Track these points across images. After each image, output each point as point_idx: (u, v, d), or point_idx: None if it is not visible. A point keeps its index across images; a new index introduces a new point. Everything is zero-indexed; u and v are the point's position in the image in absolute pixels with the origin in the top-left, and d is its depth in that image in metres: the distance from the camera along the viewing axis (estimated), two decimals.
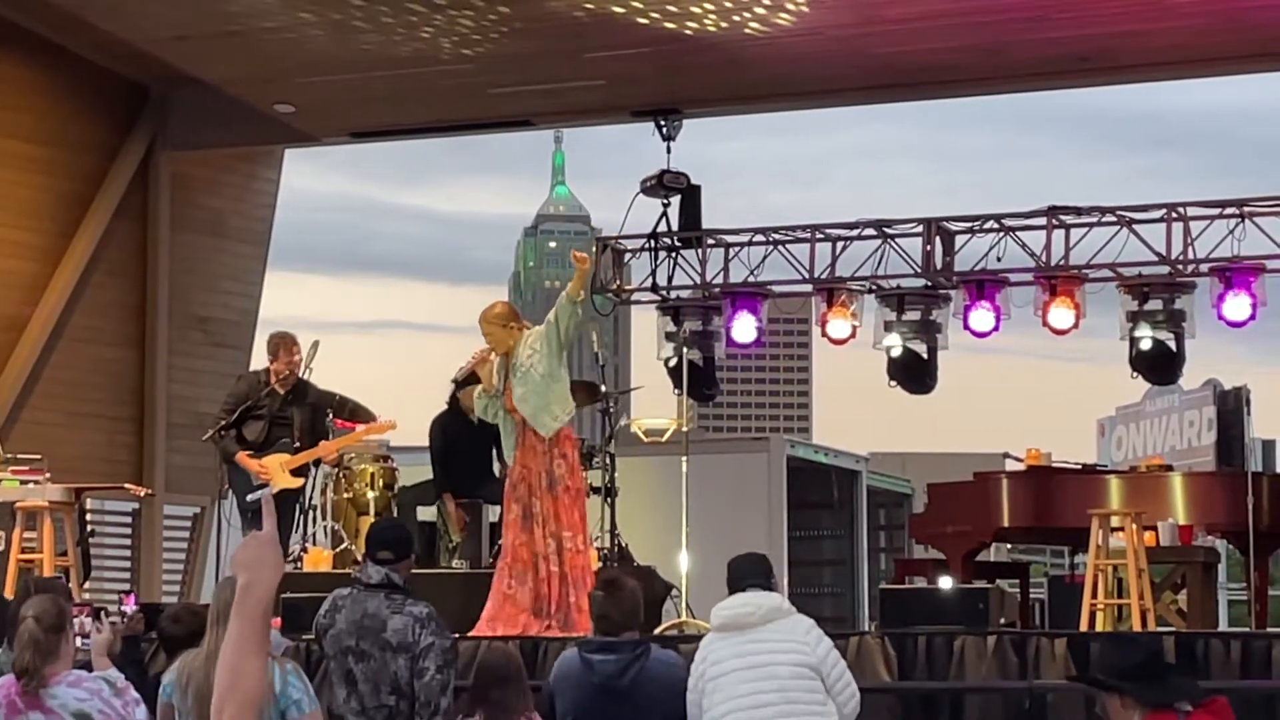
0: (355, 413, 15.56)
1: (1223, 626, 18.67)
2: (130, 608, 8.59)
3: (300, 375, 14.09)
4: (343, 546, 15.03)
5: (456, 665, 8.91)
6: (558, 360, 12.39)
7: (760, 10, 16.58)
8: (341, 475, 15.32)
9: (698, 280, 18.54)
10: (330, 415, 14.75)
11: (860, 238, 17.97)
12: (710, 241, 18.53)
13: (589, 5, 16.60)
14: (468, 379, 14.40)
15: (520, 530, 12.38)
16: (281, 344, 14.01)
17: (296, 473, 13.56)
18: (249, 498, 13.16)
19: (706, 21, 16.87)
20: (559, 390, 12.43)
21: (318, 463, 14.48)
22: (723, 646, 8.31)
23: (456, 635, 10.42)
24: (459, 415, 14.99)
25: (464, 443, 14.86)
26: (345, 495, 15.35)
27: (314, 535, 15.35)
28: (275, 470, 13.42)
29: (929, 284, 17.77)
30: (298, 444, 13.56)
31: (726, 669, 8.22)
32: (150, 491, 16.75)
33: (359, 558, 14.01)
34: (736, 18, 16.76)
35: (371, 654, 8.60)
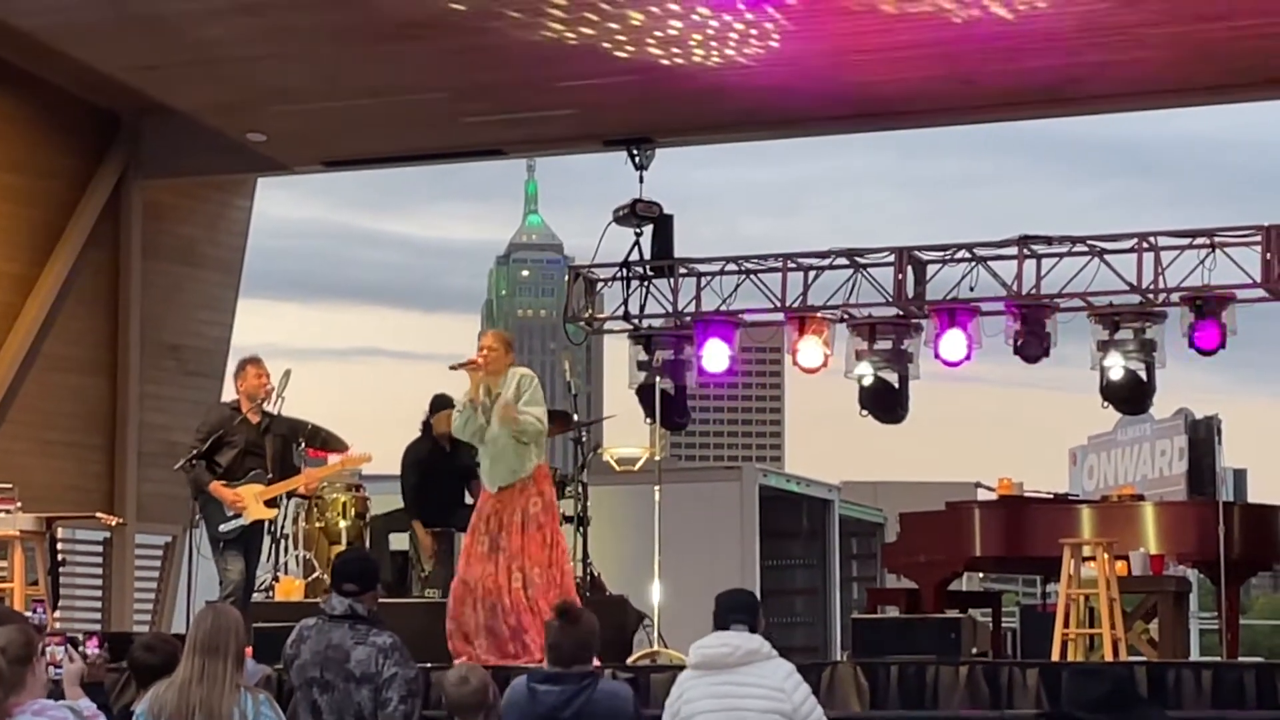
0: (327, 442, 15.51)
1: (1194, 656, 18.71)
2: (93, 650, 8.37)
3: (272, 404, 13.93)
4: (314, 576, 15.01)
5: (420, 696, 8.88)
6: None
7: (733, 40, 16.59)
8: (313, 504, 15.29)
9: (670, 309, 18.55)
10: (302, 444, 14.69)
11: (832, 266, 18.01)
12: (682, 270, 18.55)
13: (560, 34, 16.60)
14: (441, 405, 14.38)
15: (486, 563, 12.33)
16: (248, 364, 13.81)
17: (270, 504, 13.46)
18: (222, 528, 13.25)
19: (679, 51, 16.89)
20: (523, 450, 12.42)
21: (291, 494, 14.40)
22: (697, 685, 8.22)
23: (429, 665, 10.42)
24: (433, 442, 14.99)
25: (436, 470, 14.87)
26: (317, 524, 15.34)
27: (285, 564, 15.33)
28: (250, 500, 13.31)
29: (900, 313, 17.80)
30: (270, 475, 13.43)
31: (699, 709, 8.14)
32: (121, 520, 16.69)
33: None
34: (709, 47, 16.78)
35: (335, 684, 8.58)
